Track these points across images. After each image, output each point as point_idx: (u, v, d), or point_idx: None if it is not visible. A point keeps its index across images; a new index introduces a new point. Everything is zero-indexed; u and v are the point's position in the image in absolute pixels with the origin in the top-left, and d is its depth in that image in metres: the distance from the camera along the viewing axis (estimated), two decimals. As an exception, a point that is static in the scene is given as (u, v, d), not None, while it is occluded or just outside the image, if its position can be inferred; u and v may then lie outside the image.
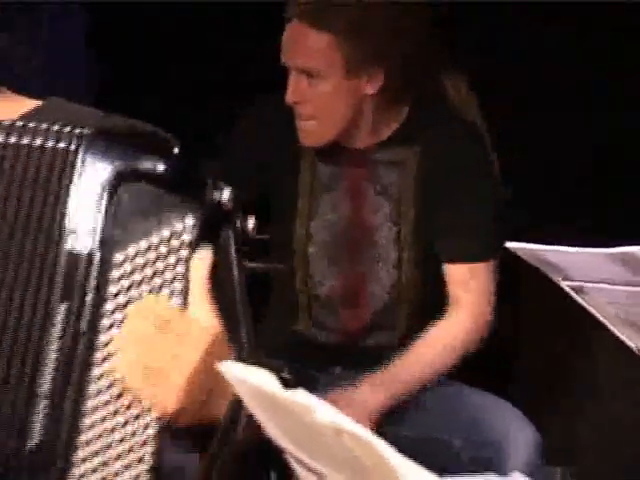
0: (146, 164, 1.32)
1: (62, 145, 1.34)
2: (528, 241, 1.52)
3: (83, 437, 1.35)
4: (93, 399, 1.36)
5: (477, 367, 2.81)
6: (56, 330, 1.35)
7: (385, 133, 2.59)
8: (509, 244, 1.68)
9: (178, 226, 1.31)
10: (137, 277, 1.36)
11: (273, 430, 1.22)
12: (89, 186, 1.33)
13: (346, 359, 2.67)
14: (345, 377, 2.54)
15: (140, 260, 1.34)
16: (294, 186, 2.59)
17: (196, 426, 1.35)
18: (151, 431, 1.33)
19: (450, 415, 2.65)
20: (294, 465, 1.26)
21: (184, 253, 1.30)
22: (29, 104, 1.48)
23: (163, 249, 1.32)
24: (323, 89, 2.46)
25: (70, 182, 1.34)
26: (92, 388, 1.35)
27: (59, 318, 1.34)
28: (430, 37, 2.50)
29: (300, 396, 1.09)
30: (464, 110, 2.61)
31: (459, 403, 2.69)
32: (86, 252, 1.33)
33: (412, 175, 2.54)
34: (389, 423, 2.64)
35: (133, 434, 1.35)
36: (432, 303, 2.66)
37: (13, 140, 1.36)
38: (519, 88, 3.72)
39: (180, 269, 1.31)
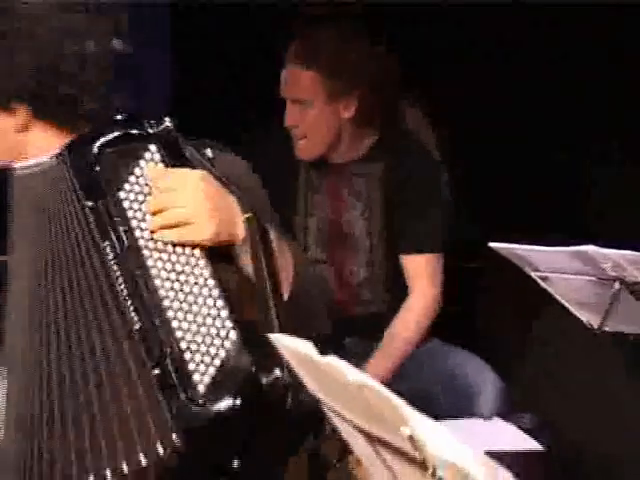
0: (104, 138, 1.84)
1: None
2: (505, 242, 1.89)
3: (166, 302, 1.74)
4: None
5: (454, 326, 3.32)
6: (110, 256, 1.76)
7: (359, 152, 3.23)
8: (492, 244, 2.07)
9: (147, 155, 1.77)
10: (140, 197, 1.77)
11: (312, 385, 1.50)
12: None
13: (350, 330, 3.15)
14: (354, 347, 3.01)
15: (136, 187, 1.77)
16: (293, 190, 3.22)
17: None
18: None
19: (431, 369, 3.18)
20: (328, 412, 1.55)
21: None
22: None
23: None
24: (310, 114, 3.11)
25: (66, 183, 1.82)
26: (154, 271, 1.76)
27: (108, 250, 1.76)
28: (392, 71, 3.18)
29: (332, 360, 1.34)
30: (420, 135, 3.26)
31: (438, 359, 3.20)
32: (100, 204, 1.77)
33: (377, 184, 3.18)
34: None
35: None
36: (396, 279, 3.25)
37: None
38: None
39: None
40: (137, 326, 1.75)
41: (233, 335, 1.71)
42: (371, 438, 1.46)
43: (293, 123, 3.14)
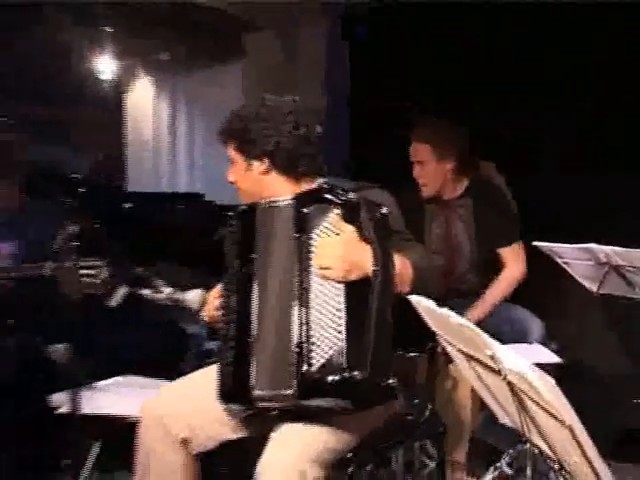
0: (317, 196, 2.45)
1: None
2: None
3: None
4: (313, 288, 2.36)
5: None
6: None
7: (459, 192, 4.01)
8: (535, 243, 2.95)
9: (333, 214, 2.39)
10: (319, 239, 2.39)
11: (433, 325, 2.08)
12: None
13: (458, 296, 3.92)
14: (459, 307, 3.69)
15: (321, 233, 2.39)
16: (422, 216, 3.99)
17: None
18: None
19: (500, 315, 3.92)
20: (441, 341, 2.16)
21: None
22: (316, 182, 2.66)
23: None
24: (427, 170, 3.92)
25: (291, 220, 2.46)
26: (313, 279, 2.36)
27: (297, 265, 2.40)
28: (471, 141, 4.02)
29: (444, 310, 1.95)
30: (494, 179, 4.18)
31: (504, 309, 3.97)
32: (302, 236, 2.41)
33: (471, 211, 3.98)
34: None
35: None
36: (486, 268, 4.02)
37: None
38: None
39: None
40: (296, 315, 2.36)
41: (343, 344, 2.28)
42: (467, 356, 2.01)
43: (417, 176, 3.99)
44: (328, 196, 2.41)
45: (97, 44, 7.57)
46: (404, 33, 5.97)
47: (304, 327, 2.34)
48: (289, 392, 2.33)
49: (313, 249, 2.39)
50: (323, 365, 2.30)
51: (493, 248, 4.02)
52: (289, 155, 2.62)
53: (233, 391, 2.46)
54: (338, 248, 2.34)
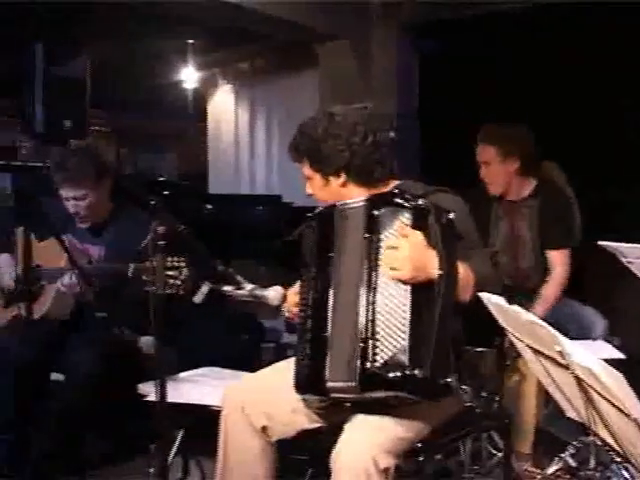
0: (389, 199, 2.43)
1: None
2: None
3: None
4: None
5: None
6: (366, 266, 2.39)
7: (525, 193, 4.01)
8: (600, 242, 2.86)
9: (402, 218, 2.37)
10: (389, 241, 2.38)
11: (502, 321, 2.06)
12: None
13: (523, 294, 3.89)
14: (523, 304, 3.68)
15: (390, 235, 2.37)
16: (488, 216, 4.02)
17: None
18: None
19: (564, 312, 3.87)
20: (510, 336, 2.14)
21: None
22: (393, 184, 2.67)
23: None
24: (493, 170, 3.95)
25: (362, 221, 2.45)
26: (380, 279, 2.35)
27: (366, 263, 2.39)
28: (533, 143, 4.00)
29: (514, 307, 1.93)
30: (558, 180, 4.11)
31: (568, 307, 3.92)
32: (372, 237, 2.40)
33: (536, 212, 3.96)
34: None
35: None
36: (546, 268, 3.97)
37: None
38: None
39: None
40: (363, 312, 2.35)
41: (406, 343, 2.27)
42: (535, 351, 1.99)
43: (483, 176, 4.02)
44: (398, 200, 2.40)
45: (181, 56, 7.67)
46: (475, 43, 5.97)
47: (370, 324, 2.34)
48: (354, 384, 2.34)
49: (382, 250, 2.38)
50: (386, 362, 2.30)
51: (545, 249, 4.00)
52: (363, 165, 2.62)
53: (308, 382, 2.47)
54: (407, 251, 2.32)
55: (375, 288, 2.36)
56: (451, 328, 2.36)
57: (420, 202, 2.38)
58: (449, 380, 2.32)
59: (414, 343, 2.28)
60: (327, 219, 2.56)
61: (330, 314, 2.46)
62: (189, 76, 8.24)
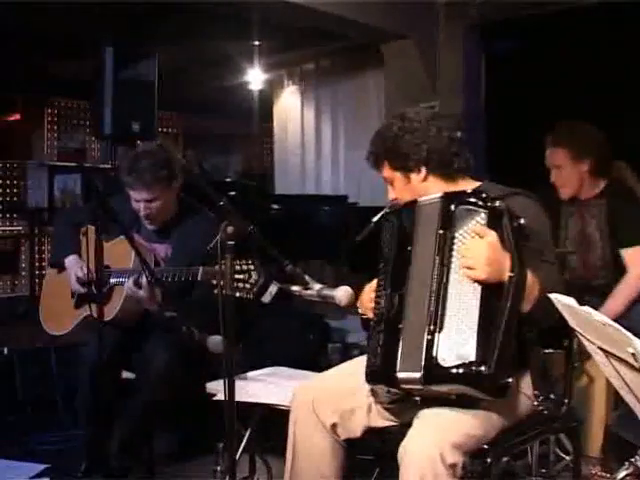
0: (465, 198, 2.44)
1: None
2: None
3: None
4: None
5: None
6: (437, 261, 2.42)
7: (595, 193, 3.97)
8: None
9: (478, 218, 2.40)
10: (464, 240, 2.41)
11: (573, 322, 2.03)
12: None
13: (592, 293, 3.88)
14: (593, 303, 3.64)
15: (464, 234, 2.40)
16: (558, 216, 4.00)
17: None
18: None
19: (637, 315, 3.80)
20: (580, 337, 2.07)
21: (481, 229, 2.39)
22: (473, 185, 2.68)
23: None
24: (565, 173, 3.91)
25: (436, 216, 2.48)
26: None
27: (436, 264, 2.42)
28: (606, 144, 3.97)
29: (585, 308, 1.90)
30: (628, 180, 4.06)
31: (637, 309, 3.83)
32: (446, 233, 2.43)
33: (605, 211, 3.91)
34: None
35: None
36: (617, 268, 3.91)
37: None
38: None
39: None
40: (433, 305, 2.39)
41: (472, 339, 2.31)
42: (606, 353, 1.93)
43: (555, 179, 3.99)
44: (474, 200, 2.43)
45: (247, 57, 7.72)
46: (542, 43, 5.91)
47: (440, 318, 2.38)
48: (418, 375, 2.37)
49: (455, 247, 2.42)
50: (452, 356, 2.34)
51: (618, 248, 3.93)
52: (442, 155, 2.66)
53: (380, 373, 2.50)
54: (483, 251, 2.34)
55: (447, 283, 2.40)
56: (515, 330, 2.37)
57: (497, 204, 2.39)
58: (509, 381, 2.33)
59: (481, 340, 2.31)
60: (406, 214, 2.61)
61: (404, 307, 2.49)
62: (255, 77, 8.29)
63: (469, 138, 2.72)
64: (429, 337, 2.37)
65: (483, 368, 2.29)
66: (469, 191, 2.52)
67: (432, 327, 2.37)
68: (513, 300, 2.34)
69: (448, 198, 2.49)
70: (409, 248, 2.54)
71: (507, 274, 2.35)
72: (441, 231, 2.45)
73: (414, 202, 2.61)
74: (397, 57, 6.66)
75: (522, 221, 2.42)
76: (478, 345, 2.31)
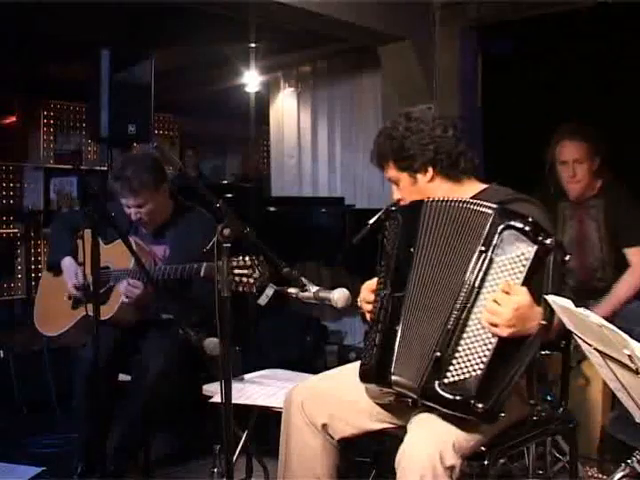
0: (518, 223, 2.29)
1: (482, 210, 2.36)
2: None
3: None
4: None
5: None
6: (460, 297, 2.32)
7: (593, 193, 3.99)
8: None
9: (526, 251, 2.26)
10: (501, 270, 2.28)
11: (570, 324, 2.02)
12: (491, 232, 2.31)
13: (590, 295, 3.91)
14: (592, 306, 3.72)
15: (506, 262, 2.28)
16: (556, 217, 3.99)
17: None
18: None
19: (631, 314, 3.80)
20: (577, 339, 2.07)
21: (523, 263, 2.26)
22: (479, 187, 2.65)
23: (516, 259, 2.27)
24: (581, 168, 3.94)
25: (483, 230, 2.32)
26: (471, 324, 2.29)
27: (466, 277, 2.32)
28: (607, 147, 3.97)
29: (583, 310, 1.88)
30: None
31: (636, 308, 3.85)
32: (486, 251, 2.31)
33: (602, 211, 3.94)
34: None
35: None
36: (617, 267, 3.94)
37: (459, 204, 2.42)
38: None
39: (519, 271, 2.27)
40: (451, 324, 2.31)
41: (479, 373, 2.25)
42: (603, 354, 1.93)
43: (569, 176, 3.96)
44: (528, 229, 2.28)
45: (244, 59, 7.72)
46: (538, 44, 5.92)
47: (454, 340, 2.31)
48: (415, 386, 2.35)
49: (492, 271, 2.30)
50: (455, 382, 2.30)
51: (620, 248, 3.95)
52: (449, 155, 2.61)
53: (373, 371, 2.47)
54: (509, 310, 2.22)
55: (472, 308, 2.31)
56: (522, 372, 2.34)
57: (547, 241, 2.26)
58: (503, 415, 2.29)
59: (486, 380, 2.26)
60: (413, 213, 2.51)
61: (406, 308, 2.44)
62: (252, 80, 8.28)
63: (466, 139, 2.70)
64: (437, 354, 2.32)
65: (480, 405, 2.26)
66: (526, 215, 2.35)
67: (443, 346, 2.32)
68: (534, 344, 2.29)
69: (504, 214, 2.35)
70: (412, 249, 2.46)
71: (535, 324, 2.27)
72: (482, 247, 2.32)
73: (420, 202, 2.51)
74: (394, 59, 6.65)
75: (567, 257, 2.32)
76: (482, 383, 2.26)
